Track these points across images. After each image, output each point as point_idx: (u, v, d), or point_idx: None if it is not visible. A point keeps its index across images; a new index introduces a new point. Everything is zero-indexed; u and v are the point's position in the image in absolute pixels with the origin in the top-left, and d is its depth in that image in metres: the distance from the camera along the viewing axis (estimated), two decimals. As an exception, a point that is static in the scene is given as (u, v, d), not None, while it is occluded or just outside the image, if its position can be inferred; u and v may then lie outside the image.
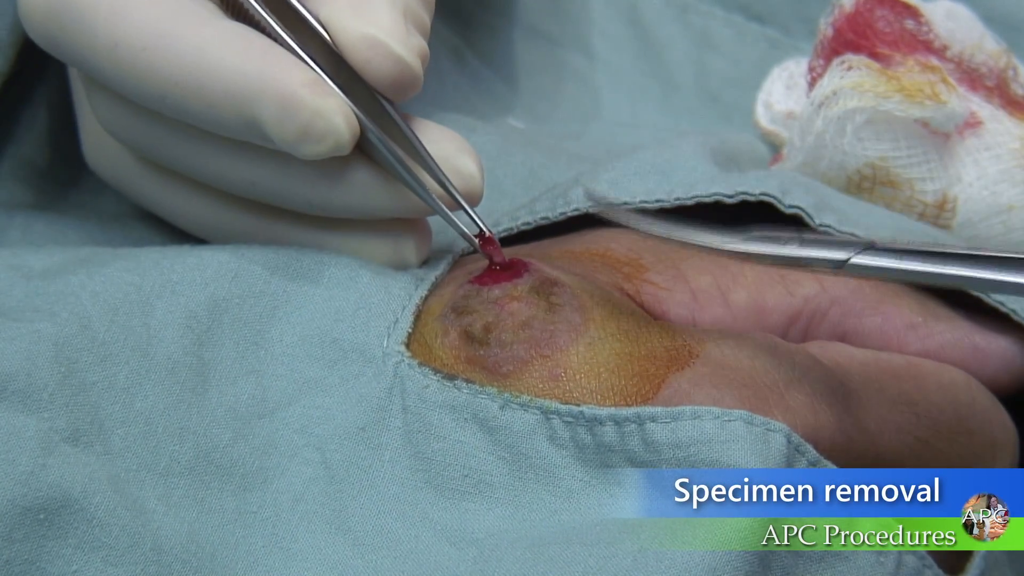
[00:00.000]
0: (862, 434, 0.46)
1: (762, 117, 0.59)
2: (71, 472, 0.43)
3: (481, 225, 0.47)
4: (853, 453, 0.46)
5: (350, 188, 0.46)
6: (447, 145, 0.47)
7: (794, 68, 0.59)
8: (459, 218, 0.47)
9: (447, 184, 0.46)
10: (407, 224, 0.49)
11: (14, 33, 0.54)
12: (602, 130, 0.62)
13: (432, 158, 0.46)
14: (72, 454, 0.43)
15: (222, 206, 0.49)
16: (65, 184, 0.57)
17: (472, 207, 0.47)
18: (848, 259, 0.44)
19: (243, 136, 0.46)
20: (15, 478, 0.42)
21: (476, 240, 0.47)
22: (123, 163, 0.51)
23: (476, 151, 0.47)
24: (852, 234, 0.49)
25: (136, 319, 0.46)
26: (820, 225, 0.50)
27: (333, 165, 0.46)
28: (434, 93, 0.59)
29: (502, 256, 0.47)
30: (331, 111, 0.44)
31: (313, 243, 0.48)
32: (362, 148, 0.46)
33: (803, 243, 0.45)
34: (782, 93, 0.58)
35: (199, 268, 0.47)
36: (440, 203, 0.46)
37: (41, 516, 0.42)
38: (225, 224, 0.49)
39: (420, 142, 0.46)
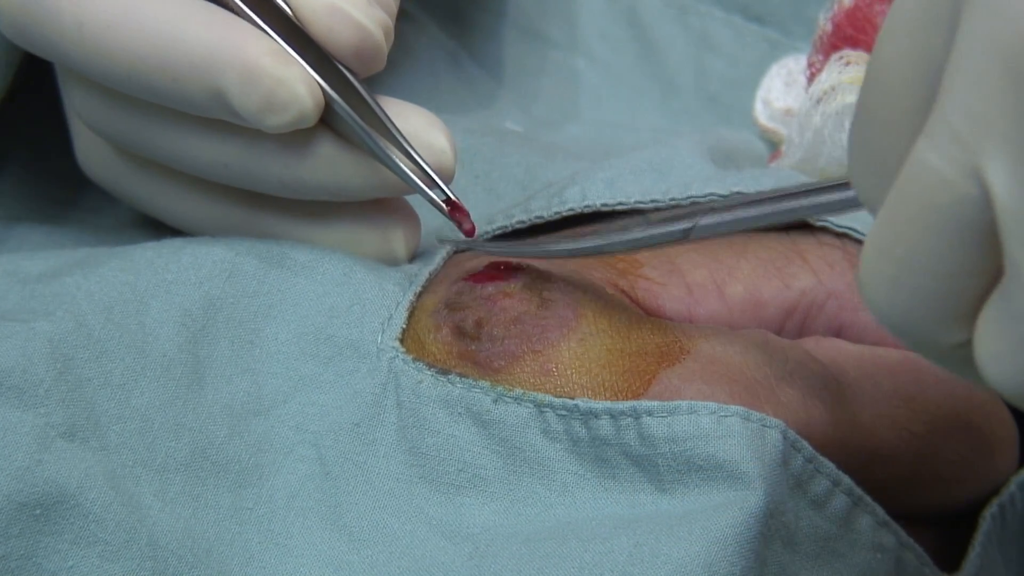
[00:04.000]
0: (857, 429, 0.46)
1: (761, 114, 0.59)
2: (67, 467, 0.43)
3: (449, 193, 0.47)
4: (848, 449, 0.46)
5: (319, 163, 0.47)
6: (417, 120, 0.47)
7: (793, 65, 0.59)
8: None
9: (418, 158, 0.47)
10: (393, 214, 0.49)
11: (10, 53, 0.54)
12: (600, 132, 0.62)
13: (402, 133, 0.46)
14: (68, 449, 0.43)
15: (205, 198, 0.49)
16: (64, 203, 0.57)
17: (444, 181, 0.47)
18: (692, 227, 0.45)
19: (211, 111, 0.46)
20: (11, 473, 0.42)
21: (445, 208, 0.47)
22: (109, 162, 0.51)
23: (448, 128, 0.48)
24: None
25: (131, 317, 0.46)
26: (818, 219, 0.50)
27: (301, 140, 0.47)
28: (430, 97, 0.59)
29: (471, 223, 0.47)
30: (293, 79, 0.45)
31: (300, 236, 0.49)
32: (331, 125, 0.46)
33: (649, 224, 0.46)
34: (781, 90, 0.58)
35: (194, 267, 0.47)
36: (408, 172, 0.46)
37: (37, 511, 0.42)
38: (211, 218, 0.50)
39: (389, 118, 0.47)
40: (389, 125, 0.47)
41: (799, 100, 0.57)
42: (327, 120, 0.46)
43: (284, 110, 0.45)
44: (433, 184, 0.47)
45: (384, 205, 0.49)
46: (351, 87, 0.46)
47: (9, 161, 0.58)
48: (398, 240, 0.49)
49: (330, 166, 0.47)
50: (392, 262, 0.49)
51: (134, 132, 0.48)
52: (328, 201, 0.48)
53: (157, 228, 0.52)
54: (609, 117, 0.63)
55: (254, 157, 0.47)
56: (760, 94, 0.59)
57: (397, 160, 0.46)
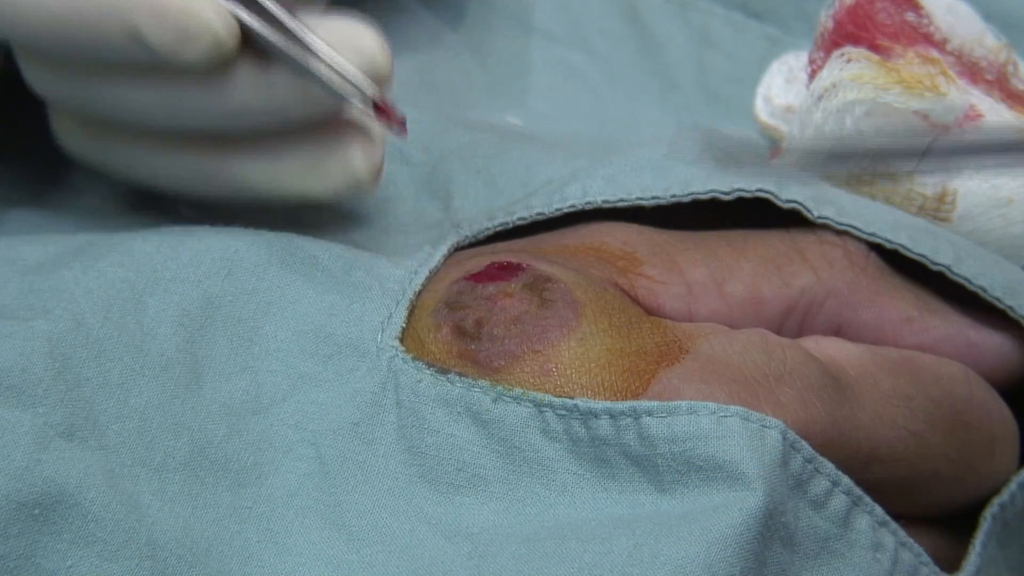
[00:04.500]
0: (856, 429, 0.46)
1: (761, 111, 0.59)
2: (66, 467, 0.43)
3: (372, 94, 0.47)
4: (847, 448, 0.46)
5: (254, 89, 0.47)
6: (343, 28, 0.48)
7: (794, 62, 0.59)
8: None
9: (340, 63, 0.47)
10: (348, 135, 0.49)
11: None
12: (600, 128, 0.62)
13: (323, 41, 0.47)
14: (67, 449, 0.43)
15: (169, 152, 0.50)
16: (59, 184, 0.57)
17: (379, 84, 0.47)
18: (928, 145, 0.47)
19: (135, 56, 0.47)
20: (9, 473, 0.42)
21: (371, 112, 0.47)
22: (77, 134, 0.52)
23: (381, 34, 0.48)
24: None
25: (129, 316, 0.46)
26: (819, 217, 0.50)
27: (230, 69, 0.47)
28: (428, 92, 0.59)
29: (400, 121, 0.47)
30: (199, 7, 0.46)
31: (266, 175, 0.49)
32: (261, 50, 0.47)
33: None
34: (781, 87, 0.58)
35: (192, 264, 0.47)
36: (328, 75, 0.47)
37: (36, 511, 0.42)
38: (180, 172, 0.50)
39: (308, 28, 0.47)
40: (308, 38, 0.47)
41: (800, 97, 0.57)
42: (257, 47, 0.47)
43: (198, 39, 0.46)
44: (363, 92, 0.47)
45: (338, 129, 0.49)
46: (270, 15, 0.47)
47: (5, 148, 0.58)
48: (358, 160, 0.49)
49: (265, 88, 0.47)
50: (357, 187, 0.50)
51: (79, 93, 0.49)
52: (285, 132, 0.49)
53: (154, 208, 0.53)
54: (609, 113, 0.63)
55: (193, 94, 0.48)
56: (761, 91, 0.59)
57: (318, 67, 0.47)
